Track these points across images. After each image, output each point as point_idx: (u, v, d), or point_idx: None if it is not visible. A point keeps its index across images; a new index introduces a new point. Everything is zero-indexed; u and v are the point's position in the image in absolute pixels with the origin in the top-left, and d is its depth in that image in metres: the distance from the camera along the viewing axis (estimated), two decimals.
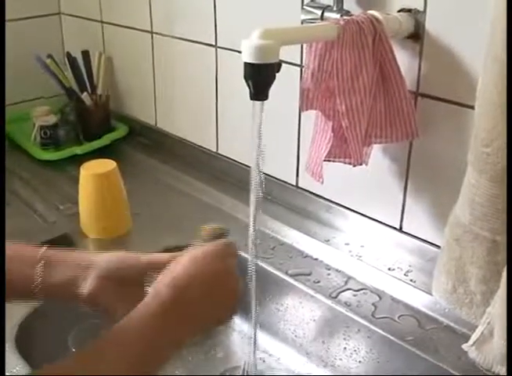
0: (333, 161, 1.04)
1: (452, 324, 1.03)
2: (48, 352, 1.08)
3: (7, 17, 1.70)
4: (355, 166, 1.04)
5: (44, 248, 0.86)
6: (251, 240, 0.93)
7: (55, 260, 0.85)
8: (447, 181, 1.07)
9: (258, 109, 0.85)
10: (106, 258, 0.86)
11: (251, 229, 0.92)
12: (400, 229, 1.18)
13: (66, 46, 1.92)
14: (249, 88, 0.85)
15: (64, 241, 1.28)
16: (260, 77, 0.84)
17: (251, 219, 0.91)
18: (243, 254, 1.21)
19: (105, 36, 1.78)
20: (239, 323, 1.27)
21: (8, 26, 1.74)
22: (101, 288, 0.84)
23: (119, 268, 0.85)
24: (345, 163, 1.05)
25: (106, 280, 0.84)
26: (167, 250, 1.25)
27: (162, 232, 1.32)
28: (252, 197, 0.89)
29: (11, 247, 0.85)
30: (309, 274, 1.18)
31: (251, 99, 0.85)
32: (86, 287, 0.83)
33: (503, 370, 0.84)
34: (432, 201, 1.11)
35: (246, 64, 0.84)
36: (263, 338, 1.21)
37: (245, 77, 0.85)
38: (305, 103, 0.98)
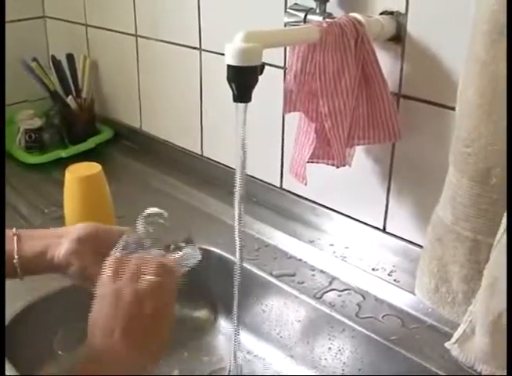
0: (317, 162, 1.05)
1: (435, 323, 1.04)
2: (33, 354, 1.09)
3: None
4: (338, 167, 1.04)
5: (14, 229, 0.90)
6: (237, 242, 0.94)
7: (28, 234, 0.90)
8: (430, 182, 1.08)
9: (242, 111, 0.85)
10: (78, 227, 0.90)
11: (237, 230, 0.93)
12: (384, 230, 1.19)
13: (50, 49, 1.92)
14: (232, 90, 0.85)
15: None
16: (243, 80, 0.85)
17: (236, 221, 0.92)
18: (228, 256, 1.23)
19: (89, 39, 1.78)
20: (224, 325, 1.28)
21: None
22: (75, 251, 0.87)
23: (91, 235, 0.89)
24: (328, 164, 1.06)
25: (80, 244, 0.87)
26: None
27: None
28: (237, 199, 0.90)
29: None
30: (294, 275, 1.18)
31: (234, 101, 0.85)
32: (60, 251, 0.87)
33: (485, 368, 0.85)
34: (415, 202, 1.12)
35: (230, 67, 0.84)
36: (248, 339, 1.22)
37: (228, 80, 0.85)
38: (288, 104, 0.99)
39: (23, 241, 0.88)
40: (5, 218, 1.35)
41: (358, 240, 1.23)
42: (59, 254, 0.87)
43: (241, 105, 0.85)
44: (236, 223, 0.92)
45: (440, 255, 0.92)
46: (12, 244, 0.88)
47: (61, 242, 0.87)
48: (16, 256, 0.87)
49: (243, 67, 0.84)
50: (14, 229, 0.90)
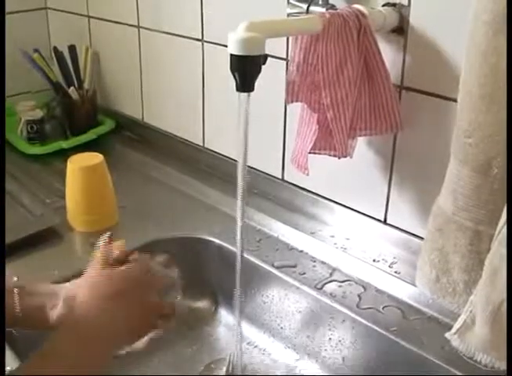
0: (319, 154, 1.05)
1: (435, 315, 1.05)
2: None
3: None
4: (339, 158, 1.05)
5: (15, 278, 0.94)
6: (239, 233, 0.94)
7: (26, 290, 0.90)
8: (431, 173, 1.08)
9: (244, 101, 0.86)
10: (71, 288, 0.91)
11: (239, 222, 0.93)
12: (384, 222, 1.19)
13: (52, 41, 1.92)
14: (235, 79, 0.86)
15: (51, 234, 1.28)
16: (246, 69, 0.85)
17: (239, 212, 0.92)
18: (229, 246, 1.23)
19: (91, 31, 1.78)
20: (224, 315, 1.28)
21: None
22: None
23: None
24: (330, 155, 1.06)
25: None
26: (153, 242, 1.27)
27: (148, 225, 1.32)
28: (239, 191, 0.90)
29: None
30: (295, 266, 1.19)
31: (237, 90, 0.86)
32: (55, 314, 0.88)
33: (485, 358, 0.85)
34: (416, 194, 1.13)
35: (233, 56, 0.85)
36: (249, 330, 1.22)
37: (231, 69, 0.85)
38: (291, 95, 0.99)
39: (21, 297, 0.89)
40: (7, 209, 1.38)
41: (359, 231, 1.23)
42: (52, 318, 0.88)
43: (244, 95, 0.86)
44: (238, 214, 0.92)
45: (441, 246, 0.93)
46: (11, 299, 0.88)
47: (54, 305, 0.89)
48: (18, 313, 0.88)
49: (246, 57, 0.84)
50: (14, 280, 0.93)
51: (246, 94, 0.86)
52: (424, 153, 1.09)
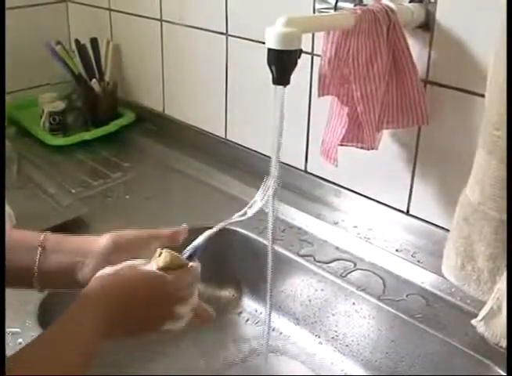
0: (348, 146, 1.08)
1: (458, 303, 1.07)
2: None
3: (14, 4, 1.74)
4: (368, 150, 1.08)
5: (43, 235, 0.87)
6: (270, 227, 0.97)
7: (53, 247, 0.86)
8: (454, 166, 1.11)
9: (280, 94, 0.88)
10: (103, 244, 0.86)
11: (271, 216, 0.96)
12: (407, 213, 1.22)
13: (72, 34, 1.94)
14: (272, 73, 0.88)
15: (79, 224, 1.31)
16: (283, 63, 0.87)
17: (271, 207, 0.95)
18: (252, 236, 1.26)
19: (113, 24, 1.80)
20: (248, 303, 1.31)
21: (14, 13, 1.77)
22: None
23: (115, 246, 0.85)
24: (358, 147, 1.09)
25: (105, 261, 0.84)
26: None
27: (172, 215, 1.35)
28: (272, 184, 0.93)
29: (12, 235, 0.85)
30: (319, 255, 1.22)
31: (274, 83, 0.88)
32: (84, 272, 0.84)
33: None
34: (439, 185, 1.15)
35: (270, 50, 0.87)
36: (274, 318, 1.25)
37: (268, 63, 0.88)
38: (322, 88, 1.02)
39: (47, 254, 0.85)
40: (35, 198, 1.40)
41: (381, 222, 1.26)
42: (82, 277, 0.84)
43: (280, 88, 0.88)
44: (270, 208, 0.96)
45: (466, 234, 0.96)
46: (34, 257, 0.85)
47: (85, 262, 0.85)
48: (36, 272, 0.84)
49: (284, 51, 0.87)
50: (42, 237, 0.86)
51: (282, 87, 0.89)
52: (447, 146, 1.12)
